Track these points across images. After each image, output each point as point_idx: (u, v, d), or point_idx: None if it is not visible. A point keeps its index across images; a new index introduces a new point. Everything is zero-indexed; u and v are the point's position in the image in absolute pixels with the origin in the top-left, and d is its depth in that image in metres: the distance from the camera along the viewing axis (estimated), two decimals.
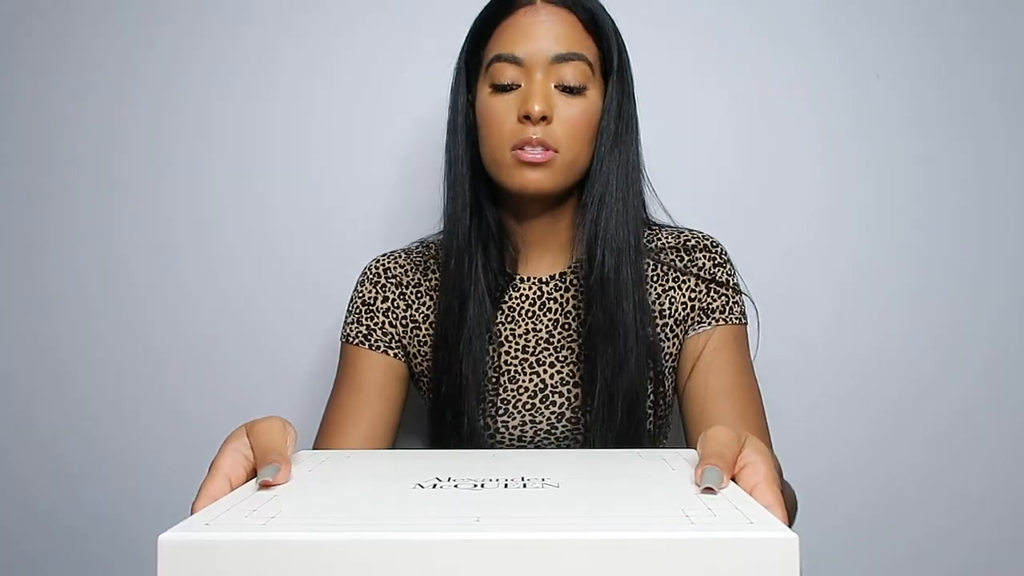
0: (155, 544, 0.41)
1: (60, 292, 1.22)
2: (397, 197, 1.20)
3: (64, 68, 1.22)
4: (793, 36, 1.19)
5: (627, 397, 0.79)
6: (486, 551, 0.41)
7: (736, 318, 0.85)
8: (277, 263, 1.21)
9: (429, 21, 1.20)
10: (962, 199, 1.19)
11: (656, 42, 1.17)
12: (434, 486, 0.52)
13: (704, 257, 0.85)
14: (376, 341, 0.87)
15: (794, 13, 1.19)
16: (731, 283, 0.86)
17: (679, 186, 1.16)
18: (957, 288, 1.19)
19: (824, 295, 1.20)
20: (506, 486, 0.52)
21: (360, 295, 0.89)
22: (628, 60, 0.83)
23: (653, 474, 0.56)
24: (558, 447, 0.85)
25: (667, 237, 0.87)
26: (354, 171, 1.21)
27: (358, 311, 0.88)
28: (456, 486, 0.52)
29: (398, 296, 0.87)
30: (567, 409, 0.83)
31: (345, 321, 0.89)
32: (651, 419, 0.85)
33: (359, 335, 0.87)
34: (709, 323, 0.83)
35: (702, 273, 0.85)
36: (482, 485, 0.52)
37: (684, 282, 0.85)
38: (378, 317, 0.87)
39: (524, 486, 0.52)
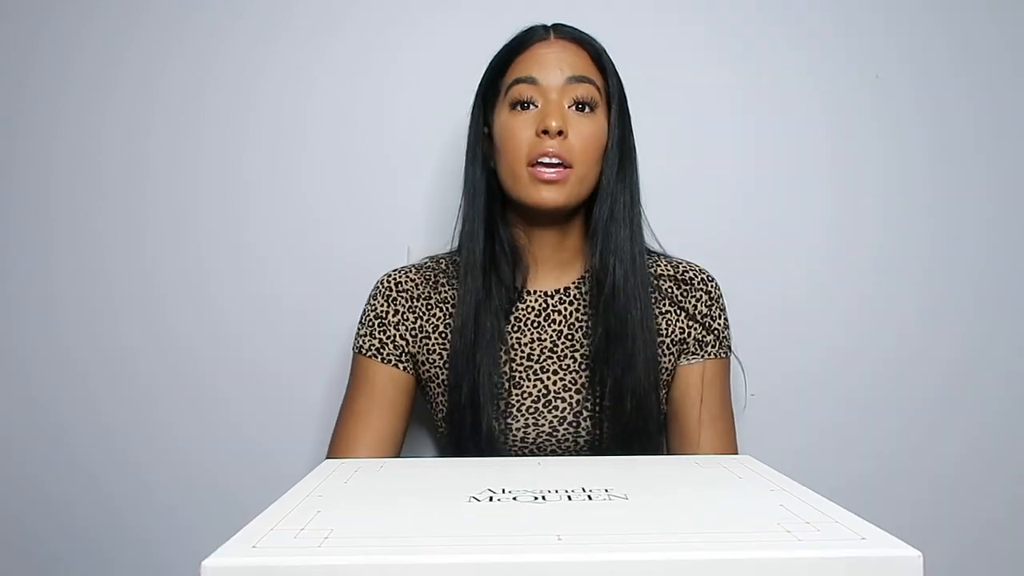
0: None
1: (77, 297, 1.14)
2: (388, 214, 1.14)
3: (40, 68, 1.13)
4: (800, 35, 1.16)
5: (635, 394, 0.85)
6: (574, 573, 0.36)
7: (725, 352, 0.92)
8: (268, 274, 1.14)
9: (434, 43, 1.14)
10: (981, 202, 1.16)
11: (657, 41, 1.14)
12: (491, 499, 0.47)
13: (701, 290, 0.92)
14: (388, 355, 0.91)
15: (796, 13, 1.16)
16: (723, 317, 0.93)
17: (686, 192, 1.13)
18: (977, 291, 1.16)
19: (835, 300, 1.17)
20: (570, 498, 0.47)
21: (373, 308, 0.92)
22: (626, 99, 0.90)
23: (720, 483, 0.52)
24: (558, 448, 0.91)
25: (664, 266, 0.93)
26: (347, 184, 1.14)
27: (371, 324, 0.92)
28: (515, 499, 0.47)
29: (408, 309, 0.91)
30: (569, 414, 0.87)
31: (357, 333, 0.93)
32: (654, 417, 0.89)
33: (372, 347, 0.91)
34: (702, 356, 0.91)
35: (698, 308, 0.91)
36: (543, 498, 0.48)
37: (683, 307, 0.92)
38: (390, 331, 0.91)
39: (589, 498, 0.47)
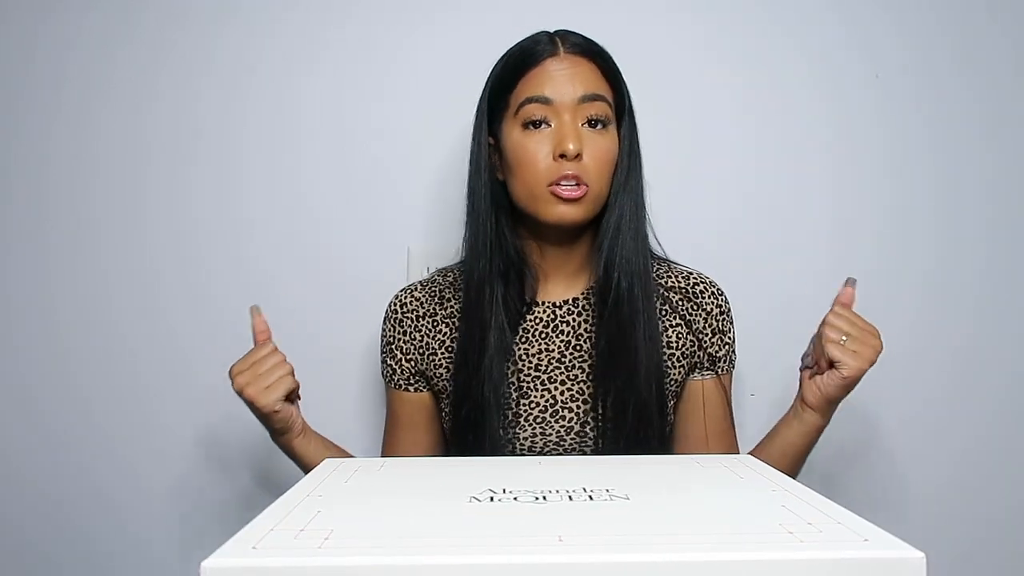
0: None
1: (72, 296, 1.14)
2: (388, 215, 1.14)
3: (35, 70, 1.13)
4: (800, 35, 1.15)
5: (636, 405, 0.85)
6: (576, 574, 0.36)
7: (732, 365, 0.94)
8: (268, 275, 1.13)
9: (434, 44, 1.14)
10: (982, 202, 1.16)
11: (657, 41, 1.13)
12: (491, 499, 0.47)
13: (712, 304, 0.92)
14: (399, 380, 0.94)
15: (797, 13, 1.16)
16: (732, 331, 0.93)
17: (687, 192, 1.13)
18: (978, 291, 1.15)
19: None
20: (571, 499, 0.47)
21: (384, 334, 0.95)
22: (633, 109, 0.90)
23: (722, 484, 0.52)
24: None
25: (676, 277, 0.93)
26: (348, 185, 1.14)
27: (384, 351, 0.95)
28: (515, 499, 0.47)
29: (415, 328, 0.93)
30: (576, 423, 0.88)
31: (381, 360, 0.96)
32: (657, 428, 0.89)
33: (387, 374, 0.95)
34: (714, 372, 0.92)
35: (709, 323, 0.91)
36: (544, 498, 0.48)
37: (692, 323, 0.92)
38: (398, 355, 0.93)
39: (591, 499, 0.47)
